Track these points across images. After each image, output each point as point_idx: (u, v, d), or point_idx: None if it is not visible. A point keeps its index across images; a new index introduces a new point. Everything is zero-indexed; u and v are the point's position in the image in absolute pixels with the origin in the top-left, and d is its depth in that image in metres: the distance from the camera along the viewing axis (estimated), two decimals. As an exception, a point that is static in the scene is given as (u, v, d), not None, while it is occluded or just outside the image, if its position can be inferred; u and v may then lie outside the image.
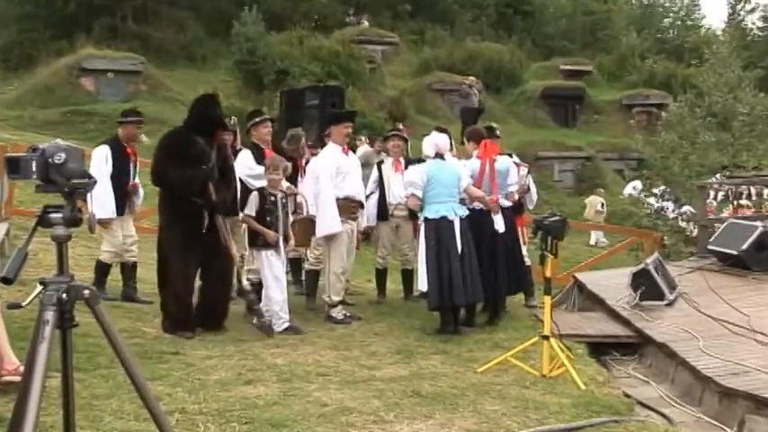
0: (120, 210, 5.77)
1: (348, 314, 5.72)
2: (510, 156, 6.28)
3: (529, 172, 6.62)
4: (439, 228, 5.34)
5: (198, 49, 23.25)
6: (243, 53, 19.32)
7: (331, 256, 5.66)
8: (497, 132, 6.63)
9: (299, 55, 19.19)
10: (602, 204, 16.04)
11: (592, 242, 14.59)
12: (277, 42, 19.99)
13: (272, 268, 5.16)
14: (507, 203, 5.85)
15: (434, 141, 5.61)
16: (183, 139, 4.97)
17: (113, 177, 5.69)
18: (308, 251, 6.23)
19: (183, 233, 4.88)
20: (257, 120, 5.98)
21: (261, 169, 5.47)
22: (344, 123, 5.78)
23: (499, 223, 5.65)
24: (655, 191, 13.02)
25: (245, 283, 5.32)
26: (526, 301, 6.61)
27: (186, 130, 5.05)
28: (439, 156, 5.56)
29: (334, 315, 5.64)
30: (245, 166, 5.72)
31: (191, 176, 4.83)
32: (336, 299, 5.67)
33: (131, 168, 5.94)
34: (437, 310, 5.43)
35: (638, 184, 14.95)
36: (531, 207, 6.67)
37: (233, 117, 6.98)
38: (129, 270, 5.96)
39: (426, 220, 5.41)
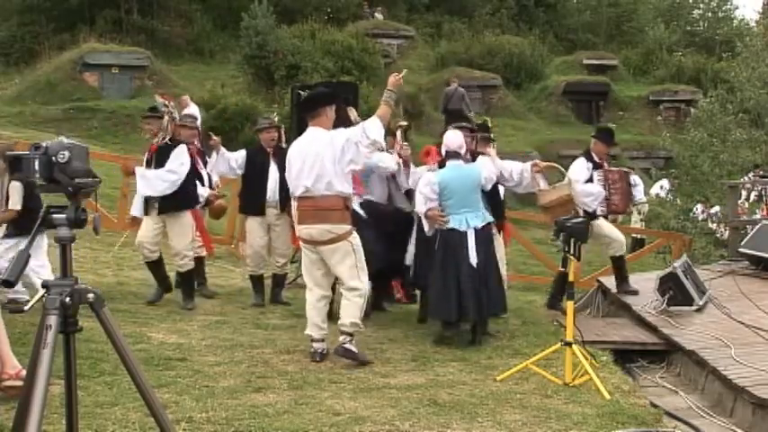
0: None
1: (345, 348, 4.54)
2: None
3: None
4: (447, 239, 5.07)
5: (206, 43, 22.68)
6: (252, 47, 18.67)
7: None
8: (492, 135, 5.87)
9: (311, 49, 18.63)
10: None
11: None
12: (288, 36, 19.32)
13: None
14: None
15: (444, 141, 5.27)
16: None
17: None
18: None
19: None
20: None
21: None
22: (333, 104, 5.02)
23: None
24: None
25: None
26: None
27: None
28: (454, 155, 5.17)
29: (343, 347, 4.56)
30: None
31: None
32: (308, 332, 4.61)
33: None
34: (446, 324, 5.14)
35: (665, 183, 14.55)
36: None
37: (273, 113, 6.93)
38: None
39: (436, 230, 5.15)
